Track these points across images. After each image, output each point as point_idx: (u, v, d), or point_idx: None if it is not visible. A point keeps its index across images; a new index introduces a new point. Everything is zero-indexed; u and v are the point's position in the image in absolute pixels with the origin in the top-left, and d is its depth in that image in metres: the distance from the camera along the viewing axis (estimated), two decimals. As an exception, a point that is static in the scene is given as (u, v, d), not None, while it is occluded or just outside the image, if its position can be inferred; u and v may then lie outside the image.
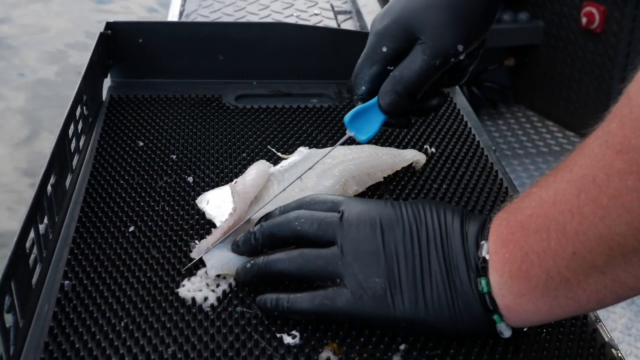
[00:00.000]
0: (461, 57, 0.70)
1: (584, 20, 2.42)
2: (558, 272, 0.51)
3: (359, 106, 0.72)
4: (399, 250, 0.58)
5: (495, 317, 0.56)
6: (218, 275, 0.64)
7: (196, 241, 0.68)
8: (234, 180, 0.72)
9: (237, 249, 0.64)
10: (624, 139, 0.46)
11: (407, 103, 0.71)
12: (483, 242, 0.56)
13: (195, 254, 0.65)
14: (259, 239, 0.63)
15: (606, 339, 0.60)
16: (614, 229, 0.47)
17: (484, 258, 0.56)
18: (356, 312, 0.57)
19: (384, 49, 0.70)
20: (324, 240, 0.60)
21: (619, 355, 0.59)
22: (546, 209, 0.51)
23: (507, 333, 0.57)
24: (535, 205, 0.52)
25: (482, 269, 0.56)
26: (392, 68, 0.71)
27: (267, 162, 0.74)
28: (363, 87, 0.72)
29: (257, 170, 0.71)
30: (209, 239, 0.65)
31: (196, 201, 0.73)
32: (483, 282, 0.55)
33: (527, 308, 0.54)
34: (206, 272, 0.64)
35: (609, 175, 0.47)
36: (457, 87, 1.01)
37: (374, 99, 0.72)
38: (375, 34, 0.72)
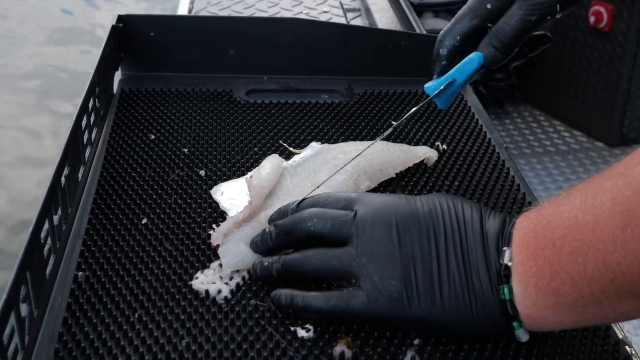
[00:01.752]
0: (557, 16, 0.71)
1: (592, 19, 2.41)
2: (591, 294, 0.51)
3: (440, 79, 0.74)
4: (415, 251, 0.57)
5: (515, 323, 0.56)
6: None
7: (214, 226, 0.68)
8: (249, 174, 0.72)
9: (255, 247, 0.64)
10: None
11: (504, 56, 0.72)
12: (505, 248, 0.56)
13: (214, 240, 0.66)
14: (275, 239, 0.63)
15: (620, 336, 0.60)
16: None
17: (506, 265, 0.55)
18: (371, 313, 0.57)
19: (489, 6, 0.72)
20: (339, 239, 0.60)
21: (633, 352, 0.59)
22: (584, 234, 0.50)
23: (524, 338, 0.57)
24: (570, 226, 0.51)
25: (504, 276, 0.55)
26: (491, 25, 0.72)
27: (280, 157, 0.73)
28: (458, 37, 0.73)
29: (272, 164, 0.71)
30: (223, 226, 0.65)
31: (211, 191, 0.73)
32: (506, 289, 0.55)
33: (550, 319, 0.54)
34: (220, 265, 0.64)
35: None
36: (468, 85, 1.01)
37: (453, 72, 0.73)
38: None
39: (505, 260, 0.55)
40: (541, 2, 0.70)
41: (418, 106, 0.75)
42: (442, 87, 0.73)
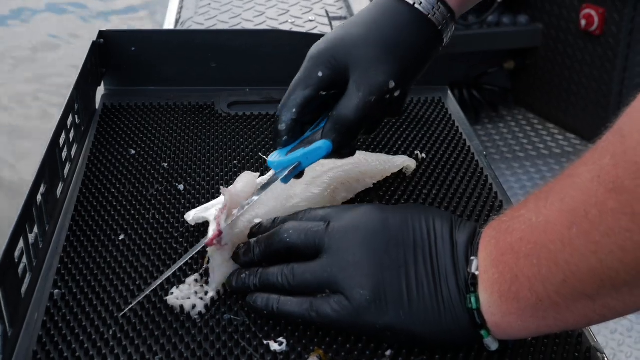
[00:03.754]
0: (396, 94, 0.70)
1: (583, 22, 2.42)
2: (548, 297, 0.51)
3: (285, 159, 0.70)
4: (384, 260, 0.58)
5: (483, 332, 0.56)
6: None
7: (191, 240, 0.68)
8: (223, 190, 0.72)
9: (238, 260, 0.65)
10: (617, 179, 0.46)
11: (350, 139, 0.71)
12: (473, 257, 0.56)
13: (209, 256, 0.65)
14: (257, 253, 0.64)
15: (592, 343, 0.61)
16: (605, 264, 0.47)
17: (473, 274, 0.56)
18: (341, 321, 0.58)
19: (320, 74, 0.70)
20: (312, 250, 0.61)
21: (605, 358, 0.60)
22: (537, 235, 0.51)
23: (493, 346, 0.57)
24: (525, 229, 0.52)
25: (471, 285, 0.56)
26: (324, 93, 0.70)
27: (254, 173, 0.73)
28: (294, 110, 0.70)
29: (246, 180, 0.71)
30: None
31: (185, 217, 0.73)
32: (472, 298, 0.55)
33: (515, 326, 0.55)
34: (195, 280, 0.65)
35: (601, 213, 0.47)
36: (449, 91, 1.01)
37: (300, 156, 0.70)
38: (310, 59, 0.72)
39: (473, 269, 0.56)
40: (376, 81, 0.69)
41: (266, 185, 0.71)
42: (287, 172, 0.69)
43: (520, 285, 0.52)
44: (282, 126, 0.71)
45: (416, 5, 0.72)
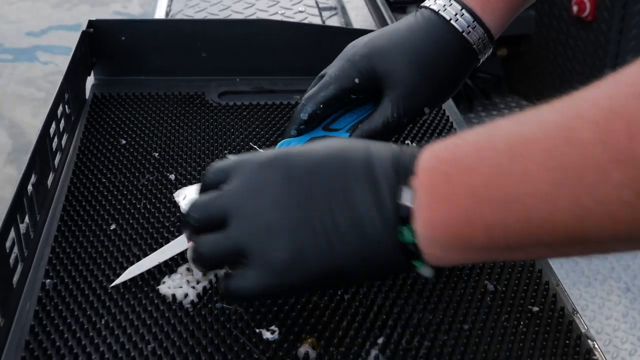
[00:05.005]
0: (424, 117, 0.75)
1: (575, 8, 2.42)
2: (505, 243, 0.47)
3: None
4: (297, 216, 0.52)
5: (416, 262, 0.52)
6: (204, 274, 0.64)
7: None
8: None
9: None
10: (632, 152, 0.41)
11: None
12: (403, 187, 0.50)
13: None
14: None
15: (582, 330, 0.61)
16: (589, 228, 0.44)
17: (407, 207, 0.50)
18: (264, 289, 0.54)
19: (356, 81, 0.73)
20: (218, 222, 0.55)
21: (596, 346, 0.60)
22: (509, 185, 0.46)
23: (428, 273, 0.53)
24: (493, 174, 0.47)
25: (403, 217, 0.50)
26: (353, 97, 0.74)
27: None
28: (321, 106, 0.73)
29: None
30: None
31: (174, 194, 0.74)
32: (405, 230, 0.50)
33: (456, 259, 0.51)
34: (187, 269, 0.65)
35: (601, 181, 0.42)
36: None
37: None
38: (349, 60, 0.74)
39: (406, 201, 0.50)
40: (413, 106, 0.73)
41: None
42: None
43: (473, 229, 0.48)
44: (304, 115, 0.73)
45: (452, 22, 0.73)
